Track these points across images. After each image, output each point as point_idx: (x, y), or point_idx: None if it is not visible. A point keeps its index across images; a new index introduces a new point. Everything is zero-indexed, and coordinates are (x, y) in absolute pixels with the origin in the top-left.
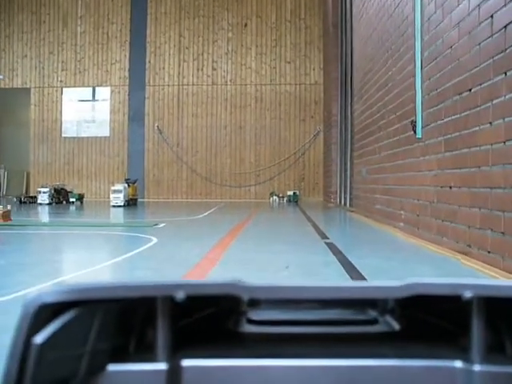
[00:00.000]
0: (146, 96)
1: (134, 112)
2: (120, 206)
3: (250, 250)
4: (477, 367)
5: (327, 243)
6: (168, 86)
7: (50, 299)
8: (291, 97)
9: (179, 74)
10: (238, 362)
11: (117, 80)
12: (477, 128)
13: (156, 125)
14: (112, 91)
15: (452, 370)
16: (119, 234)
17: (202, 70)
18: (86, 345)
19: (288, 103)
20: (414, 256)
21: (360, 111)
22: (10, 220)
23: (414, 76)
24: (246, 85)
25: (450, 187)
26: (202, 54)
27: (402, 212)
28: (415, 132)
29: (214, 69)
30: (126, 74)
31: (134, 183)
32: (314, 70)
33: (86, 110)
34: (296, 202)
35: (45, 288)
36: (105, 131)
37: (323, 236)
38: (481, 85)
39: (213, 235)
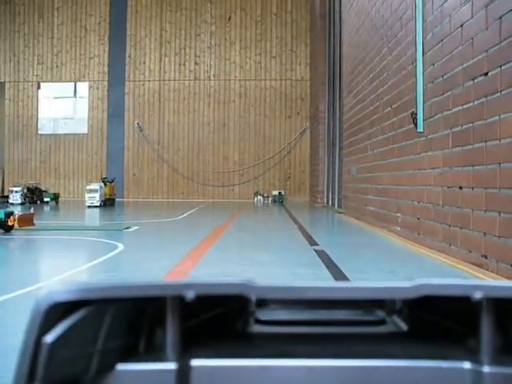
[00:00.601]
0: (126, 92)
1: (114, 108)
2: (96, 207)
3: (228, 260)
4: (486, 368)
5: (317, 251)
6: (149, 81)
7: (60, 298)
8: (277, 93)
9: (160, 68)
10: (246, 361)
11: (95, 75)
12: (496, 118)
13: (136, 122)
14: (90, 87)
15: (461, 371)
16: (82, 239)
17: (184, 64)
18: (96, 344)
19: (273, 99)
20: (421, 269)
21: (349, 106)
22: (33, 225)
23: (415, 62)
24: (229, 80)
25: (461, 187)
26: (185, 48)
27: (398, 215)
28: (416, 125)
29: (196, 63)
30: (105, 68)
31: (111, 182)
32: (300, 65)
33: (63, 106)
34: (281, 202)
35: (55, 287)
36: (83, 128)
37: (312, 242)
38: (501, 67)
39: (188, 241)
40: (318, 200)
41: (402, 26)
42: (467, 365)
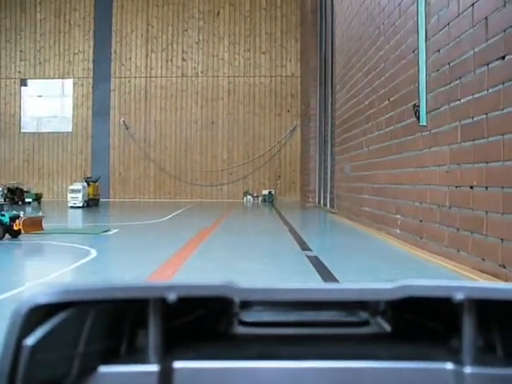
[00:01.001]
0: (112, 89)
1: (99, 106)
2: (79, 207)
3: (211, 270)
4: (468, 369)
5: (310, 257)
6: (135, 78)
7: (41, 300)
8: (266, 90)
9: (147, 65)
10: (229, 363)
11: (80, 72)
12: None
13: (122, 119)
14: (75, 83)
15: (443, 372)
16: (52, 244)
17: (172, 60)
18: (78, 346)
19: (263, 96)
20: (426, 277)
21: (342, 102)
22: (41, 229)
23: (416, 50)
24: (218, 77)
25: (471, 187)
26: (172, 44)
27: (398, 216)
28: (418, 118)
29: (184, 60)
30: (90, 65)
31: (95, 182)
32: (290, 61)
33: (46, 104)
34: (271, 201)
35: (37, 289)
36: (67, 126)
37: (304, 246)
38: None
39: (169, 246)
40: (310, 199)
41: (400, 12)
42: (449, 365)
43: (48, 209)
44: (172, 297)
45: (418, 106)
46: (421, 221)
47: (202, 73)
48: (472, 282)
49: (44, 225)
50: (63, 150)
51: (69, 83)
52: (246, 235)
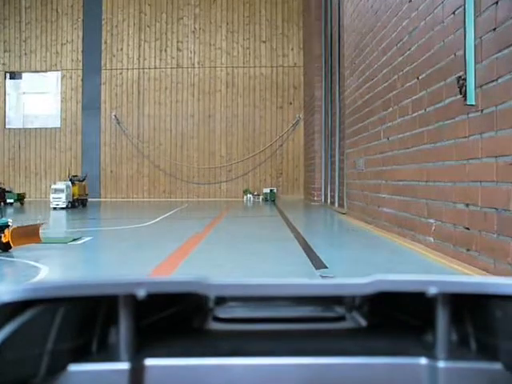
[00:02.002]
0: (102, 81)
1: (89, 100)
2: (62, 209)
3: None
4: (441, 363)
5: (327, 278)
6: (127, 69)
7: (7, 298)
8: (267, 81)
9: (139, 56)
10: (203, 360)
11: (68, 63)
12: None
13: (113, 114)
14: (63, 76)
15: (417, 367)
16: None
17: (166, 51)
18: (46, 344)
19: (263, 88)
20: None
21: (353, 88)
22: (38, 241)
23: (461, 8)
24: (215, 68)
25: None
26: (166, 33)
27: (431, 221)
28: (465, 96)
29: (179, 50)
30: (79, 56)
31: (81, 181)
32: (292, 50)
33: (33, 98)
34: (273, 200)
35: (1, 287)
36: (55, 122)
37: (317, 262)
38: None
39: (146, 260)
40: (315, 198)
41: None
42: (423, 360)
43: (29, 210)
44: (141, 293)
45: (464, 80)
46: (467, 228)
47: (198, 63)
48: (445, 276)
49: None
50: (51, 147)
51: (57, 76)
52: (244, 245)
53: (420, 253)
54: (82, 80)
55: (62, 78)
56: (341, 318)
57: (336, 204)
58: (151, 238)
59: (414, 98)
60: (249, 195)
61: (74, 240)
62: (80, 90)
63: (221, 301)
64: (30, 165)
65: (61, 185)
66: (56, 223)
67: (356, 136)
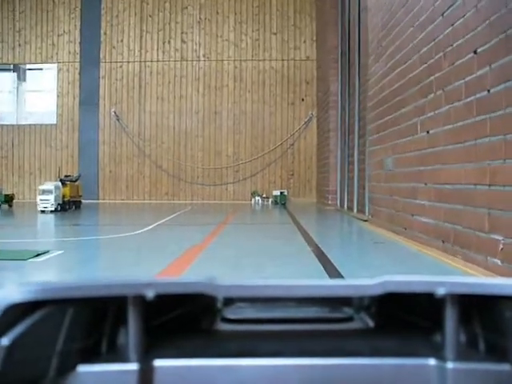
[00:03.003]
0: (101, 75)
1: (86, 94)
2: (51, 212)
3: None
4: (450, 364)
5: None
6: (127, 62)
7: (18, 299)
8: (278, 75)
9: (141, 48)
10: (211, 361)
11: (65, 55)
12: None
13: (113, 110)
14: (59, 69)
15: (426, 368)
16: None
17: (169, 42)
18: (56, 345)
19: (274, 83)
20: None
21: (380, 75)
22: None
23: None
24: (222, 61)
25: None
26: (169, 24)
27: (497, 238)
28: None
29: (183, 41)
30: (77, 48)
31: (75, 181)
32: (305, 42)
33: (27, 93)
34: (284, 204)
35: (12, 287)
36: (51, 118)
37: None
38: None
39: None
40: (329, 202)
41: None
42: (432, 361)
43: (17, 213)
44: (150, 294)
45: None
46: None
47: (203, 56)
48: (454, 277)
49: None
50: (46, 145)
51: (53, 69)
52: (250, 265)
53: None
54: (80, 73)
55: (58, 71)
56: (349, 319)
57: (354, 209)
58: (136, 253)
59: (468, 78)
60: (257, 198)
61: (38, 255)
62: (77, 84)
63: (229, 301)
64: (24, 164)
65: (49, 185)
66: (33, 230)
67: (382, 131)
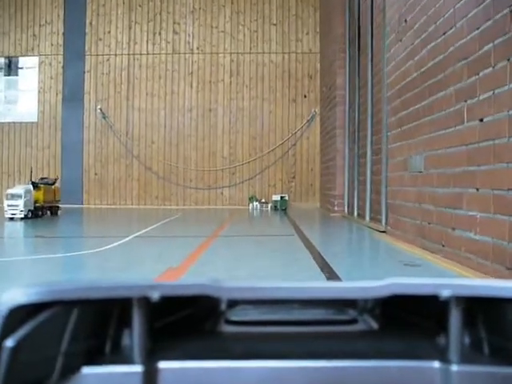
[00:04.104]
0: (86, 69)
1: (70, 90)
2: (22, 219)
3: None
4: (454, 367)
5: None
6: (115, 55)
7: (22, 300)
8: (278, 70)
9: (129, 39)
10: (216, 363)
11: (47, 48)
12: None
13: (98, 107)
14: (41, 62)
15: (430, 371)
16: None
17: (160, 34)
18: (61, 346)
19: (273, 78)
20: None
21: (404, 57)
22: None
23: None
24: (217, 54)
25: None
26: (160, 14)
27: None
28: None
29: (175, 33)
30: (60, 39)
31: (51, 184)
32: (307, 34)
33: (5, 88)
34: (284, 209)
35: (17, 289)
36: (31, 115)
37: None
38: None
39: None
40: (335, 208)
41: None
42: (436, 364)
43: None
44: (155, 296)
45: None
46: None
47: (197, 49)
48: (459, 279)
49: None
50: (26, 145)
51: (33, 62)
52: None
53: None
54: (63, 67)
55: (39, 65)
56: (353, 321)
57: (366, 217)
58: (108, 270)
59: None
60: (255, 203)
61: None
62: (60, 79)
63: (233, 303)
64: (2, 165)
65: (18, 189)
66: None
67: (407, 124)
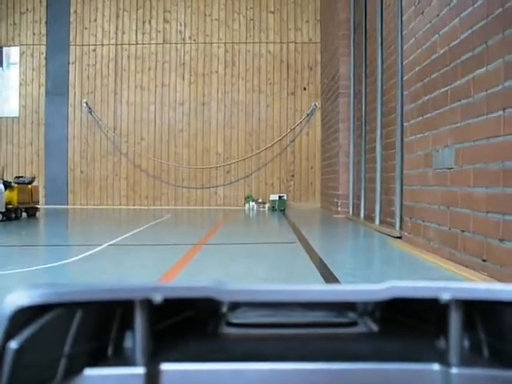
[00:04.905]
0: (71, 60)
1: (54, 83)
2: None
3: None
4: (454, 370)
5: None
6: (101, 45)
7: (26, 302)
8: (275, 61)
9: (117, 29)
10: (217, 365)
11: (29, 37)
12: None
13: (84, 101)
14: (22, 53)
15: (429, 373)
16: None
17: (150, 22)
18: (63, 348)
19: (271, 70)
20: None
21: (426, 32)
22: None
23: None
24: (211, 44)
25: None
26: (150, 1)
27: None
28: None
29: (166, 21)
30: (42, 28)
31: (28, 184)
32: (307, 22)
33: None
34: (283, 210)
35: (21, 291)
36: (12, 110)
37: None
38: None
39: None
40: (338, 209)
41: None
42: (436, 366)
43: None
44: (158, 298)
45: None
46: None
47: (189, 38)
48: (459, 282)
49: None
50: (7, 142)
51: (14, 53)
52: None
53: None
54: (46, 58)
55: (20, 56)
56: (353, 324)
57: (376, 220)
58: None
59: None
60: (252, 203)
61: None
62: (43, 71)
63: (234, 306)
64: None
65: None
66: None
67: (431, 112)
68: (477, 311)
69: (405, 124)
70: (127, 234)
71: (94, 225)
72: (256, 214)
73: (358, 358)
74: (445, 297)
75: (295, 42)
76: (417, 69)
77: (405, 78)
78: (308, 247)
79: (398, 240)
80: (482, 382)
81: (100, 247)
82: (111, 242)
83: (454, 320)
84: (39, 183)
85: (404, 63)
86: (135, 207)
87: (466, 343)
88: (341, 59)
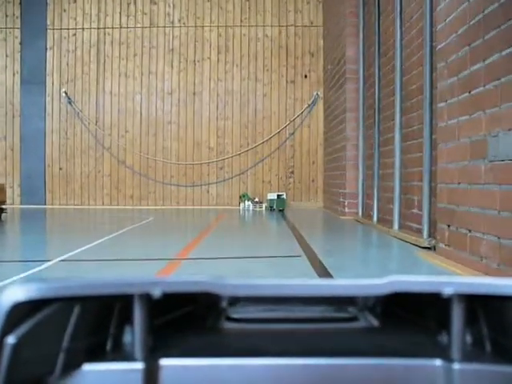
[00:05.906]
0: (48, 46)
1: (30, 71)
2: None
3: None
4: (456, 365)
5: None
6: (82, 29)
7: (23, 297)
8: (274, 46)
9: (99, 11)
10: (217, 360)
11: (1, 20)
12: None
13: (63, 90)
14: None
15: (431, 368)
16: None
17: (135, 4)
18: (62, 343)
19: (268, 56)
20: None
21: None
22: None
23: None
24: (202, 27)
25: None
26: None
27: None
28: None
29: (153, 3)
30: (16, 10)
31: None
32: (308, 4)
33: None
34: (282, 210)
35: (18, 285)
36: None
37: None
38: None
39: None
40: (345, 210)
41: None
42: (438, 362)
43: None
44: (157, 292)
45: None
46: None
47: (179, 22)
48: (461, 277)
49: None
50: None
51: None
52: None
53: None
54: (21, 43)
55: None
56: (354, 319)
57: (395, 225)
58: None
59: None
60: (247, 203)
61: None
62: (18, 58)
63: (234, 301)
64: None
65: None
66: None
67: (484, 84)
68: (479, 306)
69: (440, 105)
70: (90, 245)
71: (61, 231)
72: (252, 215)
73: (359, 354)
74: (447, 291)
75: (295, 26)
76: (460, 31)
77: (439, 47)
78: (317, 264)
79: (429, 252)
80: (484, 377)
81: (47, 263)
82: (65, 256)
83: (457, 315)
84: (13, 181)
85: (438, 28)
86: (119, 207)
87: (469, 338)
88: (347, 40)
